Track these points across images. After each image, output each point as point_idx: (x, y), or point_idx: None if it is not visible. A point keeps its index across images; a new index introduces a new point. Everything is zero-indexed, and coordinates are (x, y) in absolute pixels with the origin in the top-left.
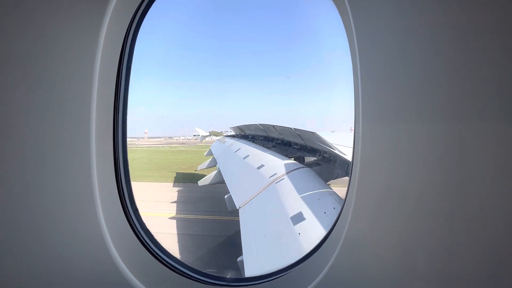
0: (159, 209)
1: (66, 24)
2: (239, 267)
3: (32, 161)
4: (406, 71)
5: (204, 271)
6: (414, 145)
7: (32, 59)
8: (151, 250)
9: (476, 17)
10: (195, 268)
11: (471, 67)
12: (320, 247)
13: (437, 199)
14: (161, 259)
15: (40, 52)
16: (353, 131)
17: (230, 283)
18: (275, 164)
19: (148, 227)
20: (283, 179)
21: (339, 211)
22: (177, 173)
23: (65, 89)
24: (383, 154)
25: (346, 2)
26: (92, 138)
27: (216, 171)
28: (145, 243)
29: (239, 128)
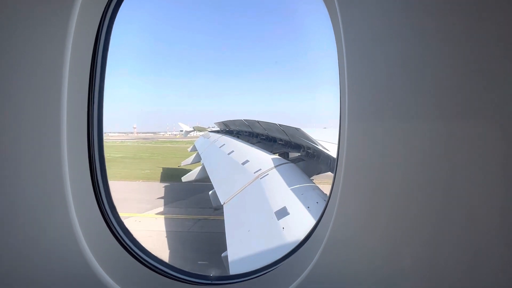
0: None
1: (34, 10)
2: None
3: None
4: (393, 69)
5: (186, 270)
6: (401, 142)
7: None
8: (130, 249)
9: (463, 17)
10: (177, 267)
11: (458, 66)
12: (304, 243)
13: (424, 197)
14: (140, 259)
15: (7, 40)
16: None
17: (213, 282)
18: (260, 159)
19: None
20: (267, 174)
21: (323, 207)
22: None
23: (32, 82)
24: (368, 152)
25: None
26: (63, 130)
27: (200, 167)
28: (123, 242)
29: (224, 123)
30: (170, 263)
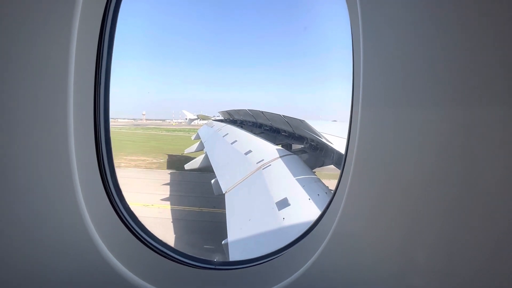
0: None
1: (37, 6)
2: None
3: (5, 142)
4: (410, 54)
5: (190, 255)
6: (415, 132)
7: (6, 39)
8: (136, 233)
9: (485, 10)
10: (182, 251)
11: (477, 49)
12: (308, 234)
13: (439, 191)
14: (146, 243)
15: (13, 31)
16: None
17: (217, 267)
18: (263, 150)
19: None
20: (270, 165)
21: (329, 198)
22: None
23: (40, 67)
24: (380, 143)
25: None
26: (70, 116)
27: (203, 156)
28: (130, 226)
29: (228, 112)
30: (175, 248)
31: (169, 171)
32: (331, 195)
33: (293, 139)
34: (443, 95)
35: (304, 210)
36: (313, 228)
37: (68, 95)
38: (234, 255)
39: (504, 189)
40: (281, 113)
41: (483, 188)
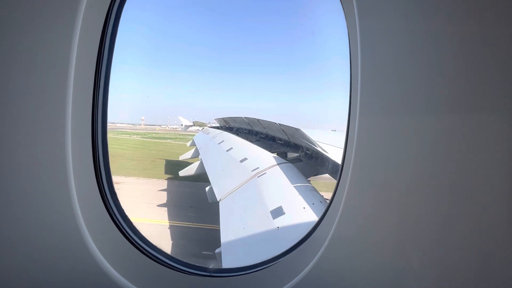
0: None
1: (40, 8)
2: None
3: (4, 142)
4: (405, 64)
5: (186, 261)
6: (410, 138)
7: (8, 40)
8: (130, 237)
9: (478, 19)
10: (177, 258)
11: (469, 62)
12: (306, 240)
13: (433, 195)
14: (140, 248)
15: (15, 33)
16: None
17: (212, 274)
18: (258, 158)
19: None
20: (265, 173)
21: (327, 204)
22: None
23: (41, 69)
24: (377, 148)
25: None
26: (68, 119)
27: (198, 162)
28: (123, 230)
29: (224, 120)
30: (171, 254)
31: None
32: (326, 204)
33: (288, 147)
34: (440, 102)
35: (299, 219)
36: (311, 234)
37: (67, 99)
38: (227, 264)
39: (500, 195)
40: (279, 121)
41: (479, 194)
